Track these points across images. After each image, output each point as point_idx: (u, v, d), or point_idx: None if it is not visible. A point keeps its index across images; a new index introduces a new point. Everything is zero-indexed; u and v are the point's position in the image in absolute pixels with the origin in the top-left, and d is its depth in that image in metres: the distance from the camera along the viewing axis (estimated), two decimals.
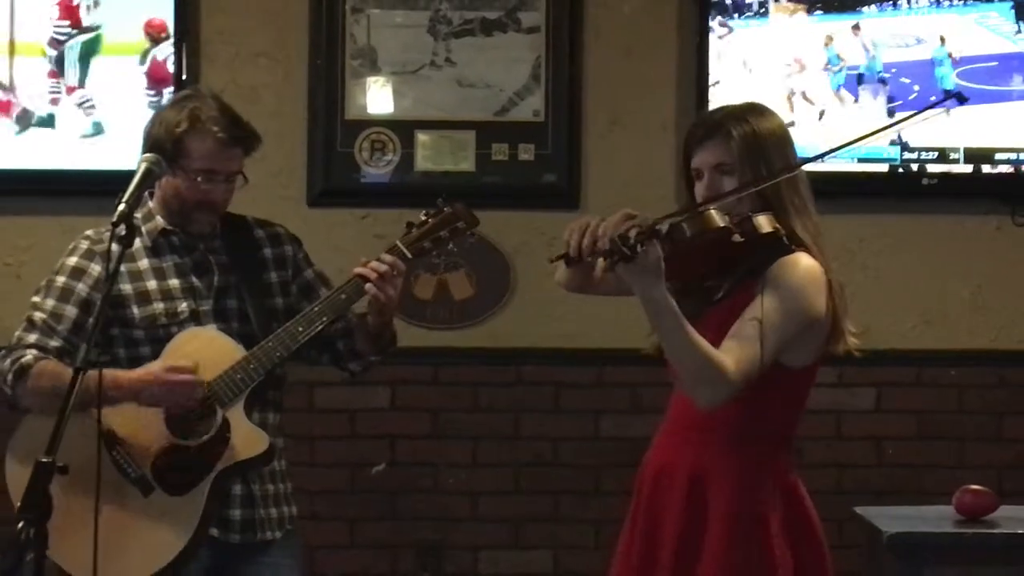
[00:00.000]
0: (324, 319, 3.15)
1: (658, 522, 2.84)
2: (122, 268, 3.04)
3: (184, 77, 4.47)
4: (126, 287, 3.16)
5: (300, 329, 3.14)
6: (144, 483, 3.08)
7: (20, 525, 2.36)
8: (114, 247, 2.63)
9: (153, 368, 3.09)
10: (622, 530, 2.95)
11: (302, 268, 3.34)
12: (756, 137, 2.79)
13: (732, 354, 2.67)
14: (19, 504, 2.44)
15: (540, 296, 4.57)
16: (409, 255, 3.19)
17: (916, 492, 4.51)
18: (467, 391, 4.64)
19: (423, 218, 3.23)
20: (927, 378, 4.68)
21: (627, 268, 2.57)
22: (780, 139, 2.84)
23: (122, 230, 2.64)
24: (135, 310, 3.16)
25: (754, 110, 2.89)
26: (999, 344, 4.67)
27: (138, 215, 3.12)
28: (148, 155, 2.91)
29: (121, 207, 2.71)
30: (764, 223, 2.72)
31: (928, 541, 3.37)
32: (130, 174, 2.81)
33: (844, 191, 4.57)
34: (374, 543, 4.62)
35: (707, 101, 4.48)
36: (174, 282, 3.20)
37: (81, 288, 3.17)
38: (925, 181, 4.60)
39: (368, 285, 3.13)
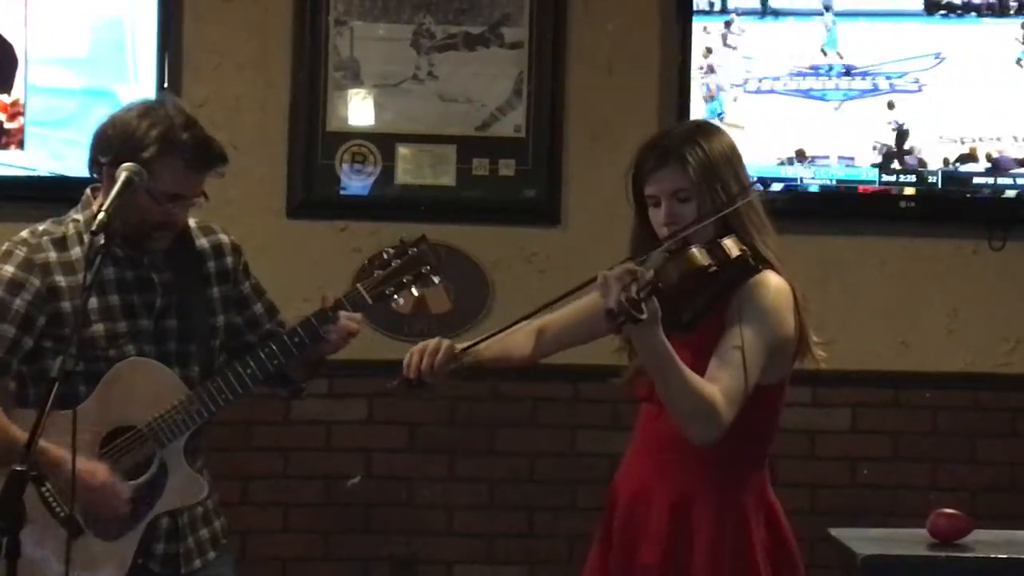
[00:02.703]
0: (276, 362, 3.01)
1: (636, 546, 2.84)
2: (62, 282, 2.94)
3: (166, 86, 4.46)
4: (65, 304, 2.95)
5: (249, 372, 2.99)
6: (72, 524, 2.84)
7: None
8: (92, 256, 2.56)
9: (98, 476, 2.88)
10: (590, 552, 2.94)
11: (240, 281, 3.16)
12: (711, 158, 2.78)
13: (721, 386, 2.67)
14: None
15: (518, 312, 4.52)
16: (370, 301, 3.06)
17: (890, 513, 4.52)
18: (444, 405, 4.63)
19: (385, 257, 3.07)
20: (902, 399, 4.70)
21: (633, 327, 2.55)
22: (732, 158, 2.84)
23: (101, 239, 2.59)
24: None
25: (702, 130, 2.89)
26: (974, 367, 4.69)
27: (78, 217, 3.01)
28: (130, 165, 2.82)
29: (101, 216, 2.66)
30: (732, 247, 2.73)
31: (902, 564, 3.37)
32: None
33: (822, 211, 4.60)
34: (348, 556, 4.61)
35: (688, 117, 4.49)
36: (114, 298, 2.99)
37: (19, 304, 2.93)
38: (903, 204, 4.62)
39: (333, 339, 3.02)
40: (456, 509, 4.63)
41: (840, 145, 4.60)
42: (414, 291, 3.09)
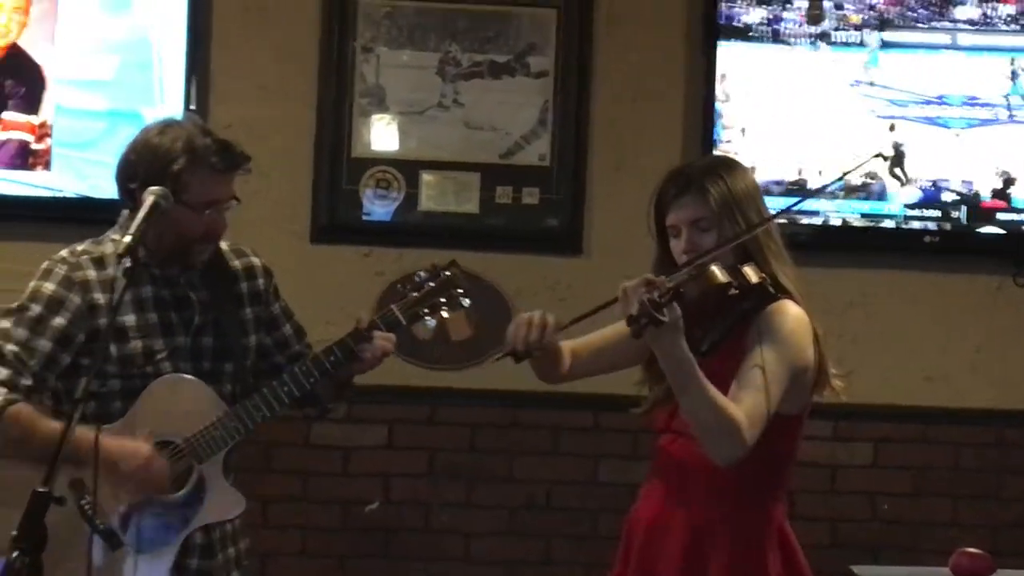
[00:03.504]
0: (311, 380, 3.07)
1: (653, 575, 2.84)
2: (101, 300, 2.99)
3: (192, 108, 4.48)
4: (103, 322, 3.00)
5: (286, 389, 3.05)
6: (111, 537, 2.87)
7: (15, 555, 2.34)
8: (119, 278, 2.58)
9: (142, 450, 2.95)
10: None
11: (271, 302, 3.23)
12: (731, 191, 2.83)
13: (744, 407, 2.68)
14: (14, 534, 2.40)
15: None
16: (404, 321, 3.13)
17: (911, 549, 4.50)
18: (463, 432, 4.63)
19: (418, 279, 3.15)
20: (925, 435, 4.67)
21: (655, 331, 2.59)
22: (753, 191, 2.89)
23: (127, 262, 2.61)
24: (112, 347, 3.00)
25: (725, 164, 2.96)
26: (998, 403, 4.66)
27: (116, 237, 3.04)
28: (156, 189, 2.86)
29: (128, 240, 2.69)
30: (751, 273, 2.77)
31: None
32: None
33: (847, 245, 4.59)
34: None
35: (712, 148, 4.50)
36: (152, 316, 3.06)
37: (58, 322, 2.99)
38: (927, 239, 4.61)
39: (368, 358, 3.08)
40: (474, 536, 4.62)
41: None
42: (444, 313, 3.16)
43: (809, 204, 4.55)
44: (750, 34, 4.58)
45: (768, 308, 2.78)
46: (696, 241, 2.83)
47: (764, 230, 2.83)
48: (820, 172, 4.55)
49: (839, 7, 4.59)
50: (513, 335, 2.88)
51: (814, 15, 4.57)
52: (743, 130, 4.58)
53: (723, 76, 4.57)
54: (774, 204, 3.17)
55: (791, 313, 2.79)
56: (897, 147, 4.55)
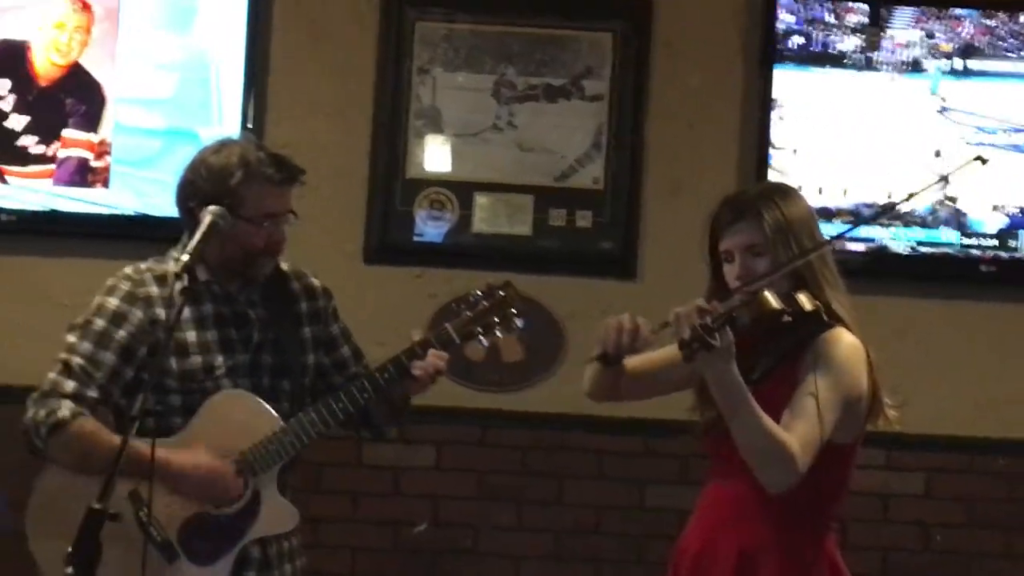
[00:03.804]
0: (366, 396, 3.10)
1: None
2: (161, 315, 3.03)
3: (249, 127, 4.52)
4: (163, 336, 3.03)
5: (341, 406, 3.09)
6: (168, 549, 2.95)
7: (69, 572, 2.36)
8: (176, 297, 2.62)
9: (202, 461, 3.02)
10: None
11: (330, 323, 3.28)
12: (786, 217, 2.83)
13: (796, 434, 2.67)
14: (69, 550, 2.42)
15: None
16: (457, 340, 3.16)
17: None
18: (513, 454, 4.62)
19: (472, 299, 3.18)
20: (977, 465, 4.63)
21: (707, 355, 2.60)
22: (807, 217, 2.88)
23: (185, 281, 2.65)
24: (172, 362, 3.05)
25: (780, 191, 2.95)
26: None
27: (177, 255, 3.08)
28: (215, 208, 2.92)
29: (185, 259, 2.73)
30: (806, 301, 2.75)
31: None
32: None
33: (902, 273, 4.56)
34: None
35: (767, 174, 4.49)
36: (212, 334, 3.11)
37: (121, 335, 3.05)
38: (983, 268, 4.57)
39: (420, 375, 3.10)
40: (523, 559, 4.61)
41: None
42: (499, 333, 3.18)
43: (863, 231, 4.53)
44: (805, 58, 4.57)
45: (822, 336, 2.77)
46: (750, 267, 2.82)
47: (818, 257, 2.82)
48: (873, 198, 4.54)
49: (930, 35, 4.57)
50: (605, 338, 2.87)
51: (872, 40, 4.56)
52: (795, 151, 4.56)
53: (777, 100, 4.56)
54: (829, 230, 3.14)
55: (845, 341, 2.78)
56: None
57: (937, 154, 4.55)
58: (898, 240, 4.58)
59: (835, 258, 2.90)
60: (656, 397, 3.12)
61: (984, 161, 2.96)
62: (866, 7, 4.57)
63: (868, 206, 4.53)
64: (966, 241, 4.57)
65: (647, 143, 4.65)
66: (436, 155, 4.65)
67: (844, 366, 2.75)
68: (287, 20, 4.64)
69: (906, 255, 4.57)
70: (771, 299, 2.70)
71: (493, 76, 4.63)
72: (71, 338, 3.07)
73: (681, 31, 4.67)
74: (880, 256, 4.55)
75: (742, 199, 2.90)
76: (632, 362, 3.03)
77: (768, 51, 4.58)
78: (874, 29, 4.58)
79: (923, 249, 4.58)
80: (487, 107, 4.64)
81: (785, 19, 4.57)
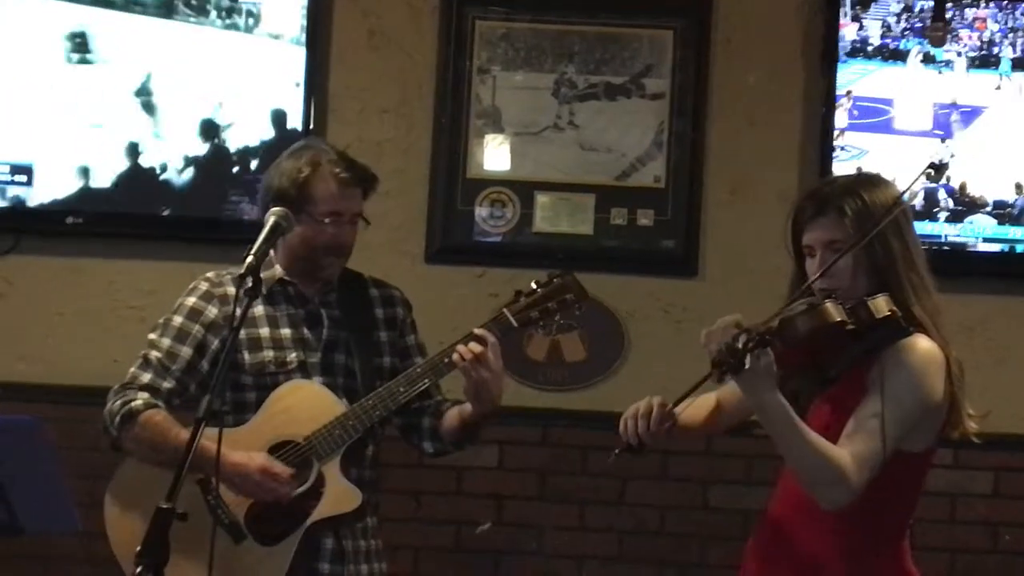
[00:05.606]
0: (426, 381, 3.18)
1: None
2: (236, 312, 3.09)
3: (311, 128, 4.53)
4: (226, 332, 3.12)
5: (401, 389, 3.17)
6: (236, 530, 3.08)
7: (138, 570, 2.39)
8: (241, 296, 2.68)
9: (255, 461, 3.09)
10: None
11: (407, 333, 3.37)
12: (870, 211, 2.72)
13: (852, 451, 2.61)
14: (138, 548, 2.45)
15: (652, 362, 4.55)
16: (515, 324, 3.19)
17: None
18: (575, 453, 4.61)
19: (533, 287, 3.23)
20: None
21: (740, 378, 2.55)
22: (895, 211, 2.75)
23: (249, 282, 2.69)
24: (245, 356, 3.20)
25: (865, 182, 2.83)
26: None
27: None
28: (277, 209, 2.97)
29: (249, 259, 2.76)
30: (881, 306, 2.67)
31: None
32: (255, 224, 2.87)
33: (966, 270, 4.50)
34: None
35: (830, 172, 4.44)
36: (285, 331, 3.23)
37: (197, 330, 3.22)
38: None
39: (460, 363, 3.11)
40: (586, 559, 4.60)
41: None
42: (558, 318, 3.23)
43: (927, 227, 4.48)
44: (869, 53, 4.52)
45: (896, 344, 2.67)
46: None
47: (904, 260, 2.72)
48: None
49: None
50: (622, 430, 2.82)
51: (937, 37, 4.50)
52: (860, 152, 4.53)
53: (841, 97, 4.51)
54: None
55: (920, 348, 2.68)
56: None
57: None
58: (963, 237, 4.53)
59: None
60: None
61: (937, 168, 2.84)
62: (931, 3, 4.52)
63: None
64: None
65: (708, 141, 4.62)
66: (496, 155, 4.65)
67: (916, 376, 2.66)
68: (346, 22, 4.65)
69: (978, 252, 4.51)
70: (831, 310, 2.62)
71: (553, 75, 4.62)
72: (152, 335, 3.25)
73: (742, 28, 4.64)
74: (944, 253, 4.50)
75: (825, 192, 2.79)
76: (725, 390, 2.94)
77: (831, 47, 4.53)
78: (938, 25, 4.52)
79: (995, 246, 4.52)
80: (547, 106, 4.63)
81: (849, 14, 4.53)
